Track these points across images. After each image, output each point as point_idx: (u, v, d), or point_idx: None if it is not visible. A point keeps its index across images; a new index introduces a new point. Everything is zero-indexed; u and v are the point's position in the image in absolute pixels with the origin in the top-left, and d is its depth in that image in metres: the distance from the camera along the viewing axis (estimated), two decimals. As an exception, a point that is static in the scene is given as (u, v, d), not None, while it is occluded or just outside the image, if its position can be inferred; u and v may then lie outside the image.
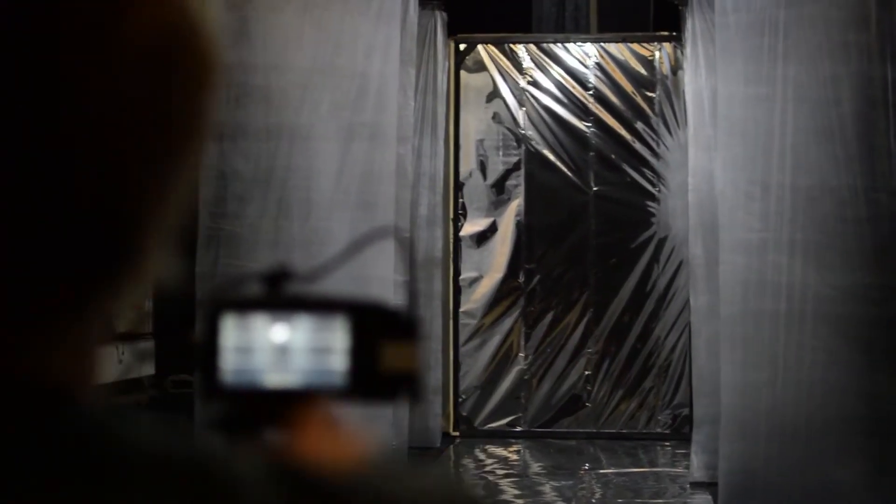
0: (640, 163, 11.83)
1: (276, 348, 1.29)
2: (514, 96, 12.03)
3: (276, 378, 1.29)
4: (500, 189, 12.03)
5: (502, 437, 11.62)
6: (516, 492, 9.51)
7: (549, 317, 11.84)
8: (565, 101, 11.98)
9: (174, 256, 0.80)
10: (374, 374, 1.29)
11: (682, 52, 10.89)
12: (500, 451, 11.12)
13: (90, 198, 0.72)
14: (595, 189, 11.88)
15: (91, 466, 0.71)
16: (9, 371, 0.72)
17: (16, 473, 0.70)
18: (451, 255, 11.89)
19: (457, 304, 11.89)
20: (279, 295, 1.32)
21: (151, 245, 0.77)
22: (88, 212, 0.73)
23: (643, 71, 11.92)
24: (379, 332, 1.29)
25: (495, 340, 11.88)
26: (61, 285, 0.73)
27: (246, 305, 1.30)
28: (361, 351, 1.28)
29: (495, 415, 11.82)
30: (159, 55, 0.74)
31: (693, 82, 9.73)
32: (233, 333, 1.30)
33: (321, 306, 1.29)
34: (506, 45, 12.10)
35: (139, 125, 0.74)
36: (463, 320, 11.90)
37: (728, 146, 8.36)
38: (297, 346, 1.29)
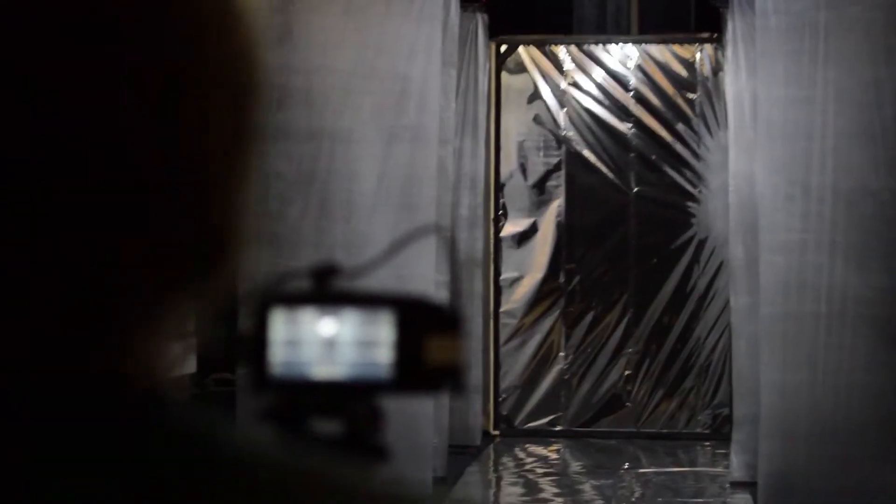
0: (680, 164, 11.83)
1: (323, 341, 1.34)
2: (555, 97, 12.05)
3: (323, 370, 1.34)
4: (540, 190, 12.06)
5: (542, 436, 11.65)
6: (556, 490, 9.56)
7: (589, 317, 11.86)
8: (606, 102, 11.99)
9: (250, 257, 0.84)
10: (419, 367, 1.34)
11: (722, 54, 10.90)
12: (539, 450, 11.16)
13: (175, 205, 0.76)
14: (635, 190, 11.89)
15: (176, 460, 0.75)
16: (102, 368, 0.76)
17: (105, 465, 0.73)
18: (492, 256, 11.92)
19: (497, 304, 11.93)
20: (326, 290, 1.37)
21: (231, 246, 0.81)
22: (175, 218, 0.76)
23: (684, 72, 11.92)
24: (423, 326, 1.34)
25: (535, 340, 11.90)
26: (150, 285, 0.77)
27: (294, 300, 1.36)
28: (406, 344, 1.33)
29: (535, 414, 11.85)
30: (227, 78, 0.78)
31: (734, 84, 9.73)
32: (281, 327, 1.35)
33: (367, 301, 1.34)
34: (546, 46, 12.12)
35: (215, 140, 0.78)
36: (503, 320, 11.94)
37: (768, 148, 8.37)
38: (344, 339, 1.34)
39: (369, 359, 1.34)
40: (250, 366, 1.36)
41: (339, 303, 1.35)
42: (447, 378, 1.36)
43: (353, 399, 1.39)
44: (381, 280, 1.37)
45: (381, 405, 1.42)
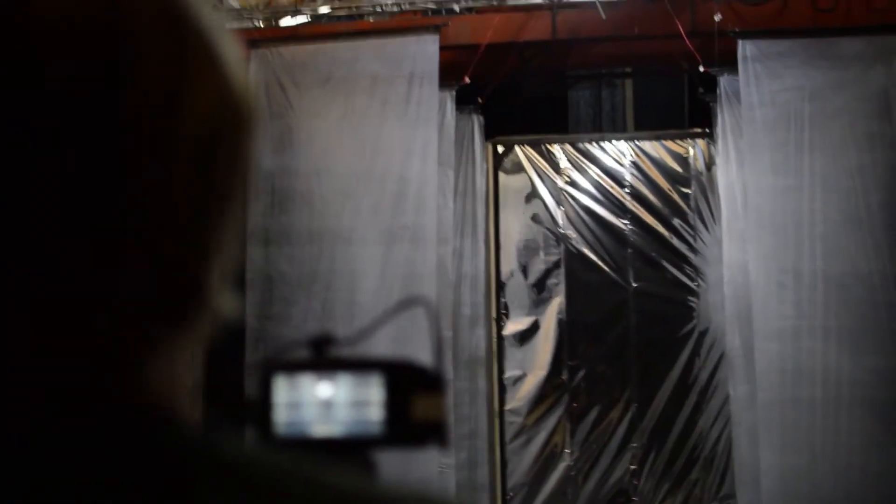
0: (678, 258, 11.88)
1: (321, 403, 1.48)
2: (553, 196, 12.13)
3: (321, 429, 1.48)
4: (540, 288, 12.10)
5: (550, 532, 11.63)
6: (565, 584, 9.56)
7: (593, 412, 11.86)
8: (602, 199, 12.06)
9: (231, 296, 0.95)
10: (407, 424, 1.48)
11: (714, 148, 11.03)
12: (548, 546, 11.14)
13: (166, 253, 0.87)
14: (635, 285, 11.94)
15: (190, 474, 0.84)
16: (110, 392, 0.86)
17: (124, 483, 0.82)
18: (495, 354, 11.95)
19: (502, 403, 11.93)
20: (323, 357, 1.52)
21: (214, 287, 0.92)
22: (168, 265, 0.87)
23: (678, 167, 12.01)
24: (410, 386, 1.48)
25: (541, 437, 11.89)
26: (150, 322, 0.88)
27: (294, 367, 1.51)
28: (395, 403, 1.47)
29: (543, 511, 11.84)
30: (214, 132, 0.89)
31: (725, 176, 9.85)
32: (284, 391, 1.50)
33: (359, 365, 1.49)
34: (542, 145, 12.23)
35: (203, 187, 0.89)
36: (508, 418, 11.92)
37: (759, 237, 8.51)
38: (339, 400, 1.48)
39: (362, 417, 1.48)
40: (258, 425, 1.51)
41: (334, 368, 1.50)
42: (433, 433, 1.50)
43: (348, 454, 1.53)
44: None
45: (375, 459, 1.56)
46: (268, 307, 8.89)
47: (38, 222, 0.82)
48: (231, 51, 0.93)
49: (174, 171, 0.87)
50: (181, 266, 0.89)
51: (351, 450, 1.52)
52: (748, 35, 9.00)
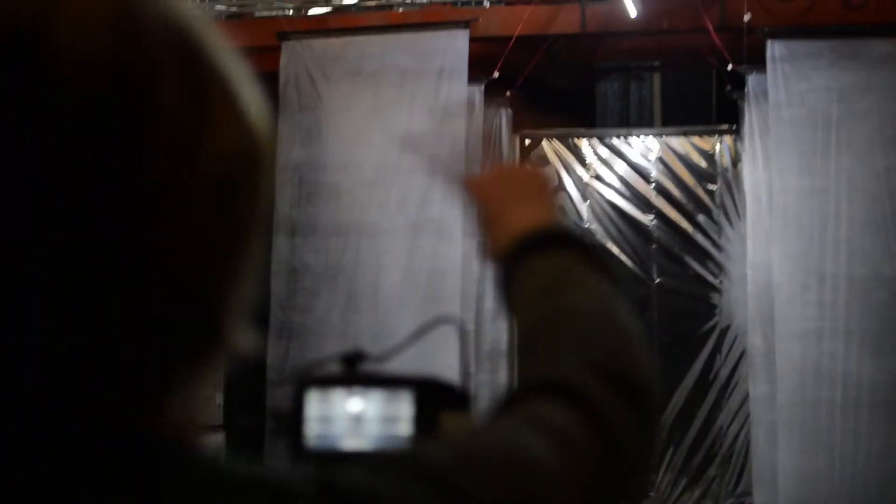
0: (702, 255, 11.88)
1: (352, 417, 1.53)
2: (578, 190, 12.14)
3: (351, 443, 1.53)
4: (564, 281, 12.12)
5: (568, 525, 11.66)
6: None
7: (613, 407, 11.89)
8: (628, 194, 12.07)
9: (249, 333, 0.97)
10: (434, 439, 1.52)
11: (741, 145, 11.03)
12: (565, 540, 11.16)
13: (182, 289, 0.89)
14: (657, 281, 11.95)
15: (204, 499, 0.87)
16: (131, 423, 0.88)
17: None
18: (516, 348, 11.97)
19: (523, 395, 11.96)
20: (354, 373, 1.56)
21: (232, 322, 0.94)
22: (185, 299, 0.89)
23: (704, 164, 12.01)
24: (438, 403, 1.52)
25: (560, 430, 11.93)
26: (170, 358, 0.90)
27: (327, 382, 1.55)
28: (423, 419, 1.51)
29: (561, 504, 11.87)
30: (233, 170, 0.91)
31: (751, 175, 9.84)
32: (316, 405, 1.54)
33: (389, 382, 1.53)
34: (569, 139, 12.25)
35: (220, 225, 0.91)
36: (528, 411, 11.97)
37: (784, 237, 8.51)
38: (369, 415, 1.52)
39: (391, 432, 1.52)
40: (289, 438, 1.55)
41: (365, 384, 1.54)
42: (460, 449, 1.54)
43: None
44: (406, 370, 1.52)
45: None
46: (292, 298, 8.94)
47: (61, 262, 0.84)
48: (250, 88, 0.94)
49: (193, 210, 0.88)
50: (200, 303, 0.91)
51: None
52: (777, 34, 8.99)
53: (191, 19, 0.91)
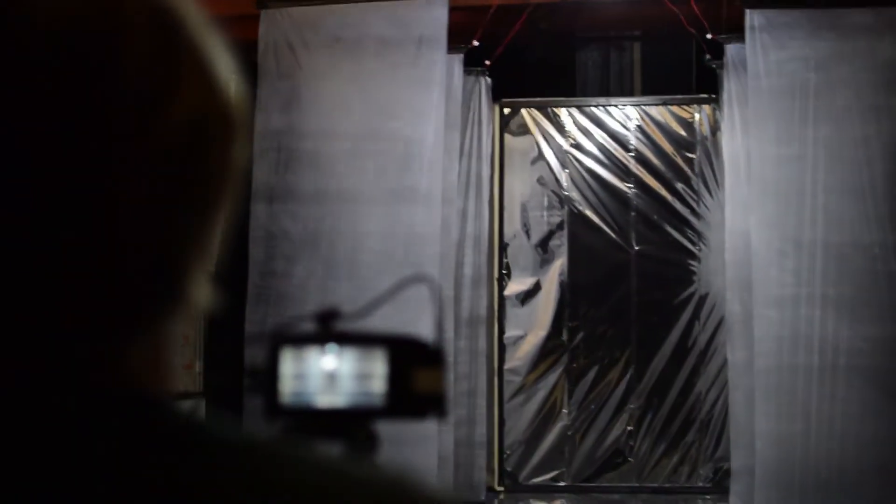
0: (680, 222, 11.92)
1: (326, 375, 1.55)
2: (558, 159, 12.15)
3: (326, 399, 1.55)
4: (543, 249, 12.13)
5: (546, 491, 11.67)
6: (560, 543, 9.64)
7: (592, 373, 11.92)
8: (607, 162, 12.09)
9: (213, 289, 0.99)
10: (408, 396, 1.55)
11: (720, 114, 11.05)
12: (543, 505, 11.23)
13: (150, 244, 0.91)
14: (637, 248, 11.98)
15: (170, 453, 0.87)
16: (102, 378, 0.90)
17: (103, 461, 0.85)
18: (496, 314, 12.00)
19: (501, 362, 11.99)
20: (329, 331, 1.59)
21: (198, 278, 0.96)
22: (152, 254, 0.91)
23: (683, 132, 12.04)
24: (411, 360, 1.55)
25: (539, 397, 11.95)
26: (135, 310, 0.92)
27: (301, 340, 1.58)
28: (397, 376, 1.54)
29: (539, 470, 11.89)
30: (199, 129, 0.93)
31: (729, 143, 9.87)
32: (291, 363, 1.56)
33: (363, 340, 1.56)
34: (549, 108, 12.26)
35: (185, 185, 0.93)
36: (507, 377, 11.99)
37: (761, 205, 8.55)
38: (343, 372, 1.55)
39: (365, 389, 1.55)
40: (264, 395, 1.58)
41: (339, 341, 1.56)
42: (432, 405, 1.56)
43: (351, 424, 1.59)
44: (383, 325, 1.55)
45: (377, 428, 1.63)
46: (270, 264, 8.95)
47: (31, 211, 0.86)
48: (221, 59, 0.97)
49: (158, 166, 0.90)
50: (163, 259, 0.93)
51: (353, 420, 1.58)
52: (755, 4, 9.01)
53: None
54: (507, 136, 12.22)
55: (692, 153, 11.95)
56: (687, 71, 12.08)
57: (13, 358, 0.87)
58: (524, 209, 12.16)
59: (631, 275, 11.97)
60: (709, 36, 10.03)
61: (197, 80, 0.94)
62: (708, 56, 10.46)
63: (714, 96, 11.44)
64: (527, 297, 12.09)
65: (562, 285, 12.05)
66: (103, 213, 0.88)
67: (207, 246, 0.96)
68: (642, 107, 12.14)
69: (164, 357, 0.95)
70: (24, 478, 0.83)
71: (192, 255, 0.94)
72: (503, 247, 12.11)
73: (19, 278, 0.86)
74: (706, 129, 11.94)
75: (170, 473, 0.86)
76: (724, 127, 10.19)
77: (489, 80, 11.40)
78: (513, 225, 12.14)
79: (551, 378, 11.96)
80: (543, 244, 12.12)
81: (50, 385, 0.88)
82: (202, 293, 0.97)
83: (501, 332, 12.05)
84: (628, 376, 11.86)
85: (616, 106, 12.18)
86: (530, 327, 12.06)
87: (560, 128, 12.16)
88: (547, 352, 12.00)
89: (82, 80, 0.87)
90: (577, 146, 12.12)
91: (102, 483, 0.84)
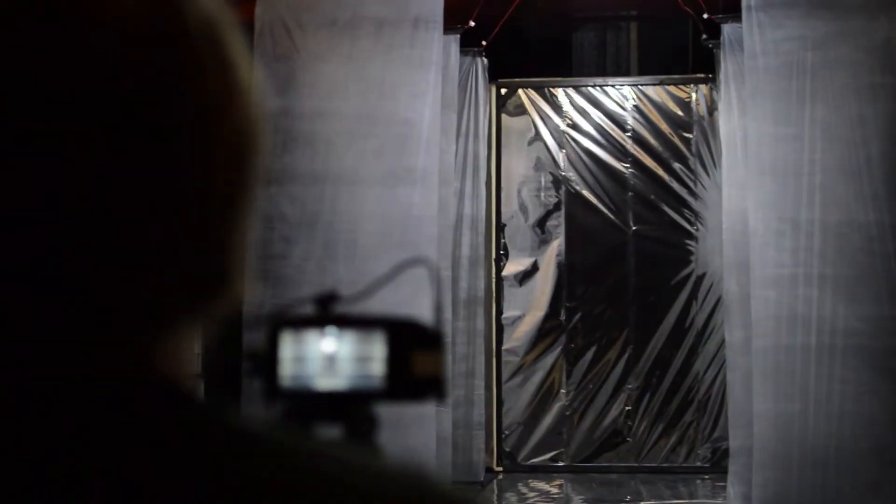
0: (678, 202, 11.94)
1: (325, 357, 1.56)
2: (555, 139, 12.16)
3: (325, 382, 1.56)
4: (541, 229, 12.15)
5: (545, 471, 11.72)
6: (558, 523, 9.66)
7: (590, 353, 11.95)
8: (604, 142, 12.10)
9: (248, 282, 1.04)
10: (407, 378, 1.56)
11: (717, 94, 11.06)
12: (542, 485, 11.20)
13: (201, 240, 0.96)
14: (634, 228, 12.00)
15: (193, 442, 0.90)
16: (131, 365, 0.93)
17: (128, 450, 0.88)
18: (494, 295, 12.02)
19: (499, 343, 12.02)
20: (328, 314, 1.59)
21: (234, 272, 1.00)
22: (202, 251, 0.96)
23: (680, 112, 12.05)
24: (410, 343, 1.55)
25: (537, 377, 11.99)
26: (167, 300, 0.95)
27: (300, 323, 1.58)
28: (396, 359, 1.55)
29: (538, 450, 11.92)
30: (245, 140, 0.99)
31: (726, 123, 9.87)
32: (290, 346, 1.57)
33: (363, 322, 1.56)
34: (545, 88, 12.26)
35: (231, 189, 0.98)
36: (506, 358, 12.02)
37: (759, 185, 8.55)
38: (343, 355, 1.55)
39: (365, 372, 1.55)
40: (263, 378, 1.58)
41: (338, 324, 1.57)
42: (431, 387, 1.57)
43: (351, 406, 1.60)
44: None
45: (376, 411, 1.64)
46: (268, 246, 8.96)
47: (96, 207, 0.90)
48: (252, 77, 1.02)
49: (215, 170, 0.96)
50: (212, 252, 0.97)
51: (353, 403, 1.59)
52: (752, -17, 9.02)
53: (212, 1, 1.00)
54: (504, 117, 12.23)
55: (689, 133, 11.97)
56: (684, 51, 12.08)
57: (43, 345, 0.90)
58: (521, 190, 12.18)
59: (628, 255, 11.99)
60: (705, 15, 10.04)
61: (245, 87, 1.00)
62: (705, 36, 10.46)
63: (711, 76, 11.45)
64: (524, 277, 12.11)
65: (559, 266, 12.07)
66: (170, 208, 0.93)
67: (243, 242, 1.00)
68: (639, 87, 12.14)
69: (189, 345, 0.99)
70: (56, 461, 0.86)
71: (236, 248, 0.99)
72: (500, 227, 12.13)
73: (73, 270, 0.90)
74: (703, 109, 11.95)
75: (194, 462, 0.89)
76: (721, 107, 10.19)
77: (486, 60, 11.40)
78: (510, 205, 12.15)
79: (549, 359, 11.99)
80: (541, 224, 12.14)
81: (84, 374, 0.91)
82: (240, 285, 1.01)
83: (499, 312, 12.07)
84: (626, 357, 11.89)
85: (613, 86, 12.19)
86: (528, 308, 12.08)
87: (557, 108, 12.17)
88: (545, 332, 12.03)
89: (159, 93, 0.93)
90: (574, 126, 12.13)
91: (128, 467, 0.87)
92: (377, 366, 1.56)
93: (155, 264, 0.93)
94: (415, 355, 1.55)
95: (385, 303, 1.59)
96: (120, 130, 0.91)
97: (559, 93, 12.21)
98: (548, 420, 11.94)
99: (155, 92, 0.92)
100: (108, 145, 0.90)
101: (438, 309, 1.72)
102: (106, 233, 0.90)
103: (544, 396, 11.97)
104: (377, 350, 1.55)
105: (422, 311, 1.63)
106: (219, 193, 0.97)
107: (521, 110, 12.26)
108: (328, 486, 0.90)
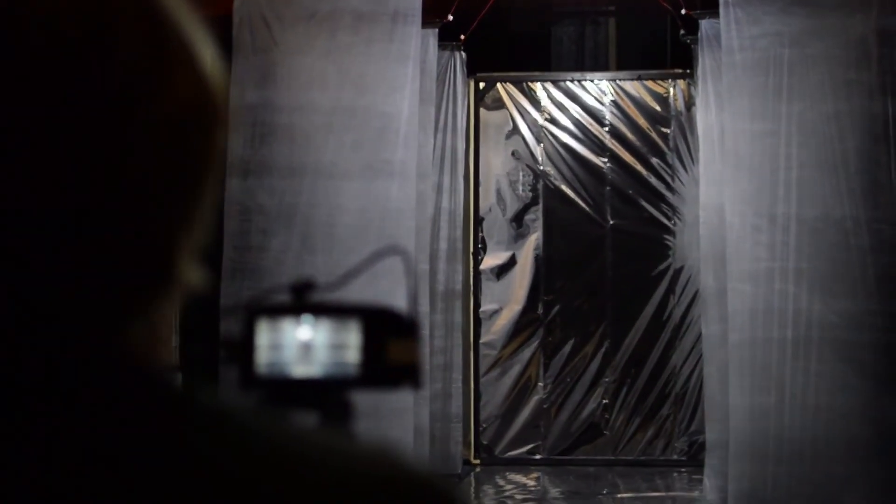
0: (655, 197, 11.96)
1: (301, 345, 1.57)
2: (533, 133, 12.18)
3: (301, 370, 1.57)
4: (518, 223, 12.17)
5: (522, 464, 11.73)
6: (535, 516, 9.68)
7: (567, 347, 11.97)
8: (582, 137, 12.12)
9: (201, 268, 1.03)
10: (382, 366, 1.57)
11: (694, 89, 11.09)
12: (519, 478, 11.22)
13: (146, 228, 0.95)
14: (612, 222, 12.03)
15: (168, 422, 0.92)
16: (105, 355, 0.94)
17: (107, 430, 0.89)
18: (472, 288, 12.03)
19: (477, 336, 12.03)
20: (304, 302, 1.60)
21: (185, 258, 1.00)
22: (148, 238, 0.96)
23: (658, 107, 12.08)
24: (386, 331, 1.56)
25: (515, 370, 12.00)
26: (134, 291, 0.96)
27: (276, 310, 1.59)
28: (371, 347, 1.56)
29: (515, 443, 11.95)
30: (189, 117, 0.97)
31: (704, 118, 9.89)
32: (266, 334, 1.58)
33: (338, 310, 1.57)
34: (524, 83, 12.28)
35: (177, 172, 0.97)
36: (483, 351, 12.03)
37: (735, 180, 8.58)
38: (318, 343, 1.56)
39: (340, 359, 1.56)
40: (239, 366, 1.59)
41: (314, 312, 1.58)
42: (407, 375, 1.58)
43: (326, 394, 1.61)
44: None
45: (352, 398, 1.65)
46: (246, 238, 8.95)
47: (29, 195, 0.90)
48: (207, 51, 1.00)
49: (152, 153, 0.94)
50: (156, 238, 0.96)
51: (328, 390, 1.60)
52: (730, -21, 9.05)
53: None
54: (482, 111, 12.24)
55: (667, 128, 11.99)
56: (661, 46, 12.10)
57: (25, 337, 0.91)
58: (499, 183, 12.19)
59: (606, 249, 12.01)
60: (683, 11, 10.07)
61: (185, 70, 0.97)
62: (682, 31, 10.50)
63: (689, 71, 11.48)
64: (502, 271, 12.12)
65: (537, 259, 12.09)
66: (101, 199, 0.92)
67: (197, 227, 1.00)
68: (617, 81, 12.17)
69: (160, 334, 0.99)
70: (38, 446, 0.87)
71: (183, 237, 0.98)
72: (478, 221, 12.14)
73: (27, 264, 0.90)
74: (681, 104, 11.98)
75: (171, 441, 0.90)
76: (699, 102, 10.22)
77: (464, 54, 11.41)
78: (488, 199, 12.16)
79: (527, 352, 12.01)
80: (518, 218, 12.15)
81: (58, 363, 0.91)
82: (192, 272, 1.00)
83: (477, 306, 12.08)
84: (603, 350, 11.91)
85: (591, 80, 12.21)
86: (506, 301, 12.10)
87: (535, 102, 12.18)
88: (522, 326, 12.05)
89: (75, 71, 0.91)
90: (552, 121, 12.15)
91: (107, 449, 0.88)
92: (352, 353, 1.56)
93: (96, 250, 0.92)
94: (390, 343, 1.56)
95: (362, 295, 1.60)
96: (39, 117, 0.89)
97: (537, 87, 12.22)
98: (525, 413, 11.96)
99: (68, 75, 0.91)
100: (30, 135, 0.89)
101: (414, 298, 1.73)
102: (35, 220, 0.90)
103: (522, 389, 11.99)
104: (352, 338, 1.56)
105: (398, 300, 1.65)
106: (162, 175, 0.95)
107: (499, 104, 12.26)
108: (302, 462, 0.92)
